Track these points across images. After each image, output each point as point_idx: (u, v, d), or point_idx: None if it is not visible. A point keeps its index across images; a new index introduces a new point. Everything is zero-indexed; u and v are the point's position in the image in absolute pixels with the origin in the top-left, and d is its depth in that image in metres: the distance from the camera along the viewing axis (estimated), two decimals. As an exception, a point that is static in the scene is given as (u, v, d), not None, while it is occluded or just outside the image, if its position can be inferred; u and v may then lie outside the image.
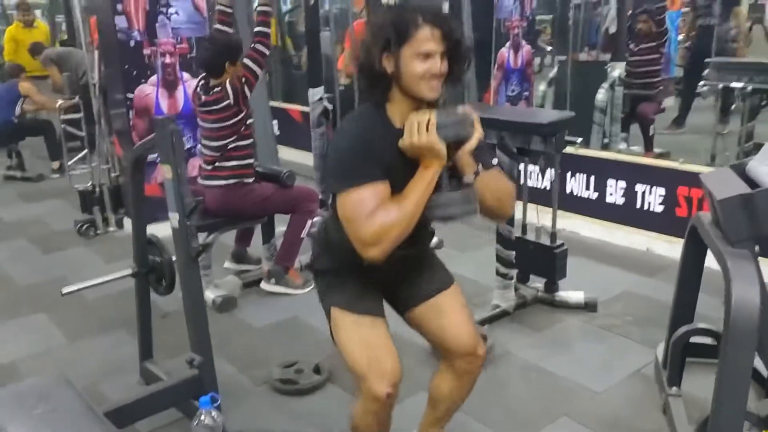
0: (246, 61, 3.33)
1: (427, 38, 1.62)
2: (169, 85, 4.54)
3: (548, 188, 4.25)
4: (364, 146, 1.65)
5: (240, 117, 3.29)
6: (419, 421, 2.14)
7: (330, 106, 4.16)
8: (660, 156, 4.95)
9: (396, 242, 1.62)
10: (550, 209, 3.31)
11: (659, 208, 3.92)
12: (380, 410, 1.78)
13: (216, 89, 3.27)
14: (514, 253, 3.20)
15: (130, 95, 4.40)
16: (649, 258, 3.95)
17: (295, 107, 6.58)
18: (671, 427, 2.34)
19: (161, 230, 2.66)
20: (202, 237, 3.60)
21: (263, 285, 3.65)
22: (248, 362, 2.95)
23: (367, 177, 1.63)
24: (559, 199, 3.38)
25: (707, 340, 2.47)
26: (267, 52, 3.36)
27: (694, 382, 2.51)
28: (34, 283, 3.95)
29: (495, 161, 1.82)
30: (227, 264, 3.86)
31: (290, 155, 6.21)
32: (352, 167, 1.64)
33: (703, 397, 2.49)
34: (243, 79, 3.27)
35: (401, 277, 1.94)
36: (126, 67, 4.37)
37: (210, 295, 3.41)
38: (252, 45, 3.37)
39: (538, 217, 3.44)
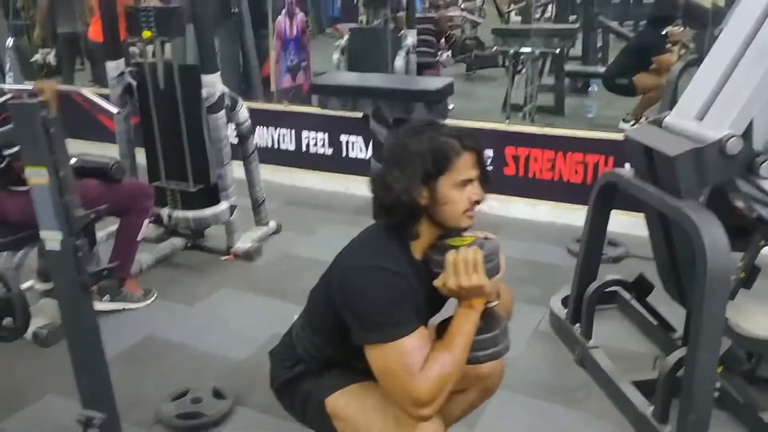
0: None
1: (467, 166, 1.49)
2: None
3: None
4: (403, 288, 1.44)
5: None
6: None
7: (134, 82, 3.50)
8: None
9: (447, 395, 1.42)
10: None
11: (488, 168, 4.05)
12: None
13: None
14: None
15: None
16: (483, 217, 4.06)
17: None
18: (600, 379, 2.42)
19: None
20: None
21: (95, 305, 2.96)
22: (120, 403, 2.35)
23: (411, 323, 1.42)
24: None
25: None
26: None
27: (596, 331, 2.63)
28: None
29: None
30: (34, 284, 3.07)
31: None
32: (394, 313, 1.42)
33: (613, 346, 2.63)
34: None
35: None
36: None
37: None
38: None
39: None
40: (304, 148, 4.62)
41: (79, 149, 5.31)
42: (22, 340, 2.68)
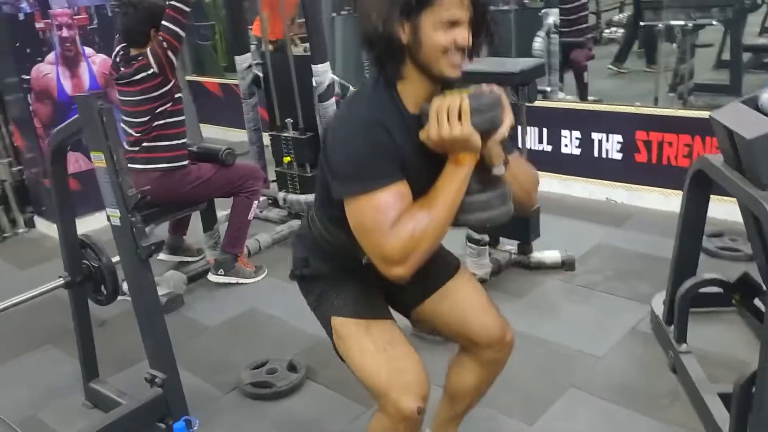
0: (164, 22, 2.89)
1: (453, 4, 1.32)
2: (70, 62, 3.99)
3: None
4: (380, 138, 1.34)
5: (167, 88, 2.88)
6: (432, 418, 1.88)
7: (261, 74, 3.76)
8: (594, 103, 4.83)
9: (426, 256, 1.33)
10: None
11: (617, 156, 3.79)
12: (410, 429, 1.49)
13: (138, 58, 2.86)
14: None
15: (26, 77, 3.85)
16: (611, 208, 3.83)
17: (211, 80, 6.05)
18: (687, 387, 2.19)
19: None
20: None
21: (211, 277, 3.27)
22: (209, 367, 2.60)
23: (387, 177, 1.33)
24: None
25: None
26: (187, 9, 2.92)
27: (697, 334, 2.36)
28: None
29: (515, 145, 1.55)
30: (162, 256, 3.43)
31: (210, 132, 5.73)
32: (368, 165, 1.33)
33: (710, 351, 2.37)
34: (164, 44, 2.84)
35: None
36: (17, 44, 3.80)
37: (151, 295, 3.01)
38: (168, 2, 2.92)
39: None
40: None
41: (215, 134, 5.84)
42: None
